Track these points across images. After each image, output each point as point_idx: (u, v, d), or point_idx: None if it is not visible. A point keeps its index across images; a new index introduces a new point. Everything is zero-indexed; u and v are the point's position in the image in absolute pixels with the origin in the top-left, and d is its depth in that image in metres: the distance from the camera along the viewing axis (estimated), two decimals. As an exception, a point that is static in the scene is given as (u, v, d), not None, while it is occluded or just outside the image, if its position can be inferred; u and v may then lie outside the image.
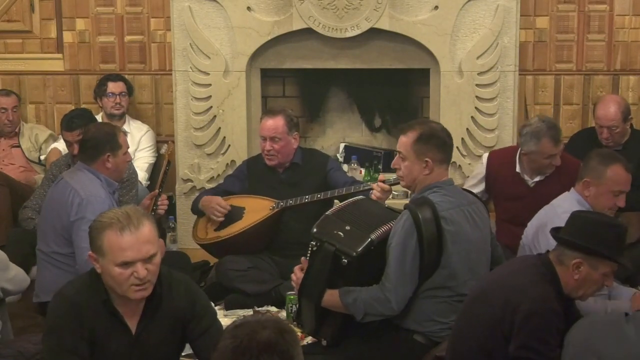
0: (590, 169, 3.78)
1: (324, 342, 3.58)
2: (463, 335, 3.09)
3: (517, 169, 4.57)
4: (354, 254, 3.38)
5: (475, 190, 4.60)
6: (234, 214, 4.67)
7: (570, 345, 2.88)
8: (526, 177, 4.57)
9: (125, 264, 2.70)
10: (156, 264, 2.77)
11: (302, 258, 3.56)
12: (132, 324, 2.83)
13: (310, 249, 3.52)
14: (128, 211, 2.76)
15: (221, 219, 4.67)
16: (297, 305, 3.66)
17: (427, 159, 3.48)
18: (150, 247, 2.73)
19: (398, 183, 3.83)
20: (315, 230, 3.52)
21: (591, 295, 3.11)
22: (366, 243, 3.40)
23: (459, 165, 5.27)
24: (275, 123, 4.62)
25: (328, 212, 3.61)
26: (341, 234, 3.45)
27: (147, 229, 2.74)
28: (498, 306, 2.96)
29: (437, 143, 3.50)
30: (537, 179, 4.55)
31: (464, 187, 4.74)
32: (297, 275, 3.58)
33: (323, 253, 3.45)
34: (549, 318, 2.89)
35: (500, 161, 4.67)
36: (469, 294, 3.20)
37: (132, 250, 2.69)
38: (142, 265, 2.71)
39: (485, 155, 4.80)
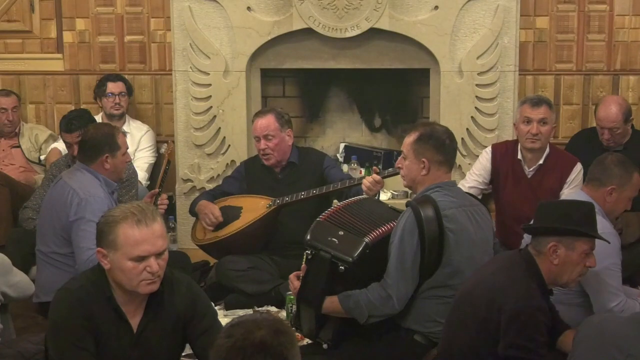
0: (615, 176, 3.79)
1: (324, 346, 3.56)
2: (453, 335, 3.10)
3: (519, 156, 4.70)
4: (350, 260, 3.37)
5: (479, 180, 4.72)
6: (231, 214, 4.67)
7: (581, 344, 2.84)
8: (525, 167, 4.68)
9: (140, 258, 2.70)
10: (166, 259, 2.79)
11: (303, 265, 3.53)
12: (134, 323, 2.83)
13: (305, 257, 3.50)
14: (141, 205, 2.77)
15: (210, 228, 4.67)
16: (296, 310, 3.63)
17: (424, 159, 3.49)
18: (163, 242, 2.75)
19: (395, 174, 3.84)
20: (308, 237, 3.49)
21: (576, 279, 3.13)
22: (361, 248, 3.38)
23: (459, 165, 5.26)
24: (267, 121, 4.67)
25: (320, 218, 3.57)
26: (335, 240, 3.42)
27: (160, 223, 2.76)
28: (482, 306, 2.97)
29: (435, 144, 3.50)
30: (533, 167, 4.66)
31: (465, 182, 4.80)
32: (294, 284, 3.57)
33: (319, 261, 3.43)
34: (535, 315, 2.90)
35: (502, 152, 4.78)
36: (457, 293, 3.20)
37: (147, 243, 2.70)
38: (154, 260, 2.72)
39: (488, 148, 4.88)
